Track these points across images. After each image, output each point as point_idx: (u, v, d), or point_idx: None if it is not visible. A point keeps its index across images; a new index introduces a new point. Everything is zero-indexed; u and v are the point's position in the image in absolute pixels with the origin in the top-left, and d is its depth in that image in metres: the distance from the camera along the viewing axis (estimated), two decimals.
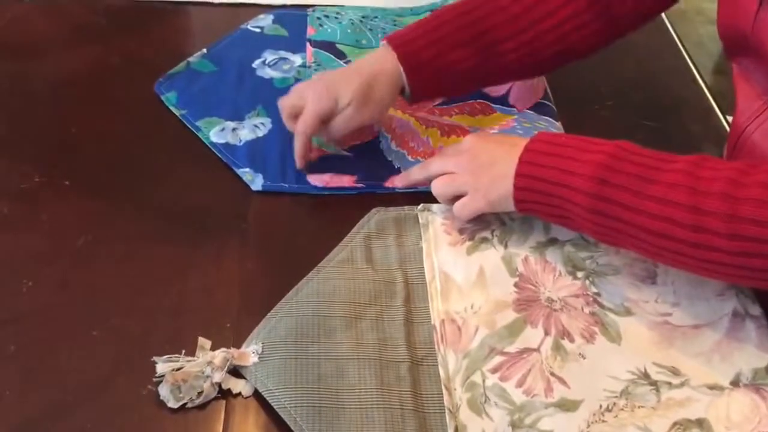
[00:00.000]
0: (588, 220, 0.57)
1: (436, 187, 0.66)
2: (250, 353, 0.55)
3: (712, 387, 0.55)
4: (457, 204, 0.64)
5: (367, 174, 0.72)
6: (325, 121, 0.69)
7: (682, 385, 0.55)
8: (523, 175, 0.60)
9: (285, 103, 0.72)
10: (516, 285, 0.61)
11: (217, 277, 0.62)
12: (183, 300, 0.60)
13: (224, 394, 0.54)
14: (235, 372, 0.55)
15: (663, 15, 0.98)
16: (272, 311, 0.58)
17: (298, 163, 0.71)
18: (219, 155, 0.73)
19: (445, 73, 0.71)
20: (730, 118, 0.85)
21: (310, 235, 0.66)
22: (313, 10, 0.92)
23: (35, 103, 0.79)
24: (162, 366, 0.54)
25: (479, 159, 0.63)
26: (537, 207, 0.61)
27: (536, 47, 0.70)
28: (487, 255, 0.63)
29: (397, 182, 0.71)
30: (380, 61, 0.70)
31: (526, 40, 0.70)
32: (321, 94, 0.68)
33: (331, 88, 0.69)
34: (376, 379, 0.54)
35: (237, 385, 0.54)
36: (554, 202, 0.59)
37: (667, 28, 0.96)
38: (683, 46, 0.94)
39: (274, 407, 0.52)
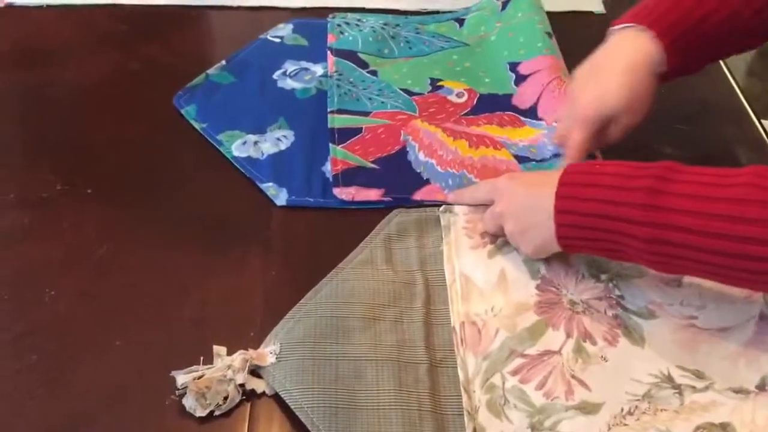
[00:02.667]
0: (645, 251, 0.57)
1: (485, 227, 0.68)
2: (268, 353, 0.58)
3: (738, 391, 0.57)
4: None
5: (395, 187, 0.74)
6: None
7: (706, 388, 0.58)
8: (564, 212, 0.59)
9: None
10: (538, 287, 0.64)
11: (240, 286, 0.65)
12: (205, 309, 0.63)
13: (248, 396, 0.57)
14: (257, 374, 0.58)
15: None
16: (291, 312, 0.62)
17: None
18: (241, 170, 0.76)
19: (705, 39, 0.67)
20: (765, 122, 0.88)
21: (333, 244, 0.68)
22: (333, 17, 0.96)
23: (57, 111, 0.83)
24: (182, 377, 0.56)
25: (512, 208, 0.64)
26: (584, 243, 0.60)
27: None
28: (508, 258, 0.66)
29: (450, 197, 0.73)
30: (634, 48, 0.67)
31: None
32: (595, 105, 0.67)
33: (598, 108, 0.68)
34: (394, 380, 0.57)
35: (260, 385, 0.57)
36: (603, 237, 0.58)
37: None
38: None
39: (292, 407, 0.56)
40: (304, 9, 0.99)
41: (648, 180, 0.56)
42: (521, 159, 0.78)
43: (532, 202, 0.62)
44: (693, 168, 0.56)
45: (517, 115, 0.84)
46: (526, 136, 0.81)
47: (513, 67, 0.88)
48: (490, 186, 0.70)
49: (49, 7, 0.98)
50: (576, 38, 0.94)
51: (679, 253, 0.55)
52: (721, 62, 0.94)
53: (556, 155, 0.77)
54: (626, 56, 0.67)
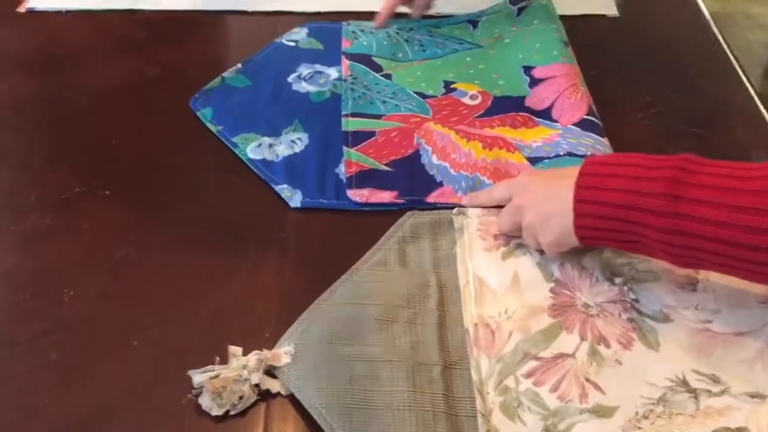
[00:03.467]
0: (663, 242, 0.56)
1: (500, 227, 0.69)
2: (282, 354, 0.59)
3: (754, 395, 0.57)
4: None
5: (408, 189, 0.75)
6: None
7: (722, 393, 0.57)
8: (584, 201, 0.60)
9: None
10: (552, 290, 0.64)
11: (256, 288, 0.66)
12: (221, 310, 0.64)
13: (263, 396, 0.58)
14: (272, 374, 0.59)
15: (709, 19, 1.01)
16: (305, 313, 0.62)
17: (378, 19, 0.83)
18: (257, 172, 0.77)
19: None
20: None
21: (348, 246, 0.69)
22: (348, 24, 0.97)
23: (75, 115, 0.84)
24: (198, 377, 0.57)
25: (532, 199, 0.65)
26: (602, 234, 0.60)
27: None
28: (522, 261, 0.67)
29: (464, 201, 0.73)
30: None
31: None
32: None
33: None
34: (408, 381, 0.57)
35: (275, 385, 0.58)
36: (621, 227, 0.58)
37: (714, 33, 0.98)
38: (731, 51, 0.96)
39: (306, 408, 0.56)
40: (318, 14, 1.00)
41: (669, 171, 0.56)
42: (534, 161, 0.78)
43: (552, 192, 0.63)
44: (714, 161, 0.56)
45: (530, 115, 0.84)
46: (540, 135, 0.81)
47: (527, 70, 0.88)
48: (507, 183, 0.71)
49: (68, 12, 1.00)
50: (589, 41, 0.95)
51: (697, 245, 0.55)
52: (736, 65, 0.94)
53: (571, 154, 0.77)
54: None
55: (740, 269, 0.56)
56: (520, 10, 0.95)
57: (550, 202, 0.63)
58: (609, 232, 0.60)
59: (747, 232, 0.53)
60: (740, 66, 0.94)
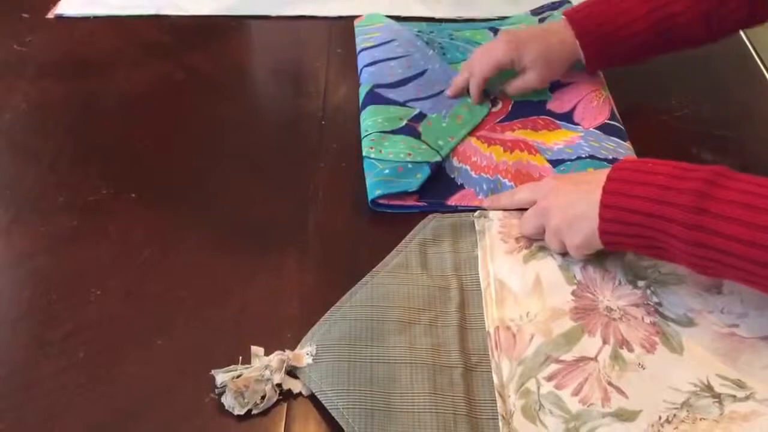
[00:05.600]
0: (687, 252, 0.57)
1: (522, 229, 0.69)
2: (304, 354, 0.59)
3: None
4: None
5: (429, 192, 0.75)
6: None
7: (747, 398, 0.57)
8: (610, 207, 0.60)
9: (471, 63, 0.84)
10: (573, 293, 0.64)
11: (278, 289, 0.66)
12: (244, 310, 0.65)
13: (285, 396, 0.58)
14: (294, 374, 0.59)
15: None
16: (327, 314, 0.62)
17: (474, 101, 0.84)
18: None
19: (620, 46, 0.80)
20: None
21: (370, 247, 0.69)
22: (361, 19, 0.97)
23: (103, 118, 0.86)
24: (221, 376, 0.58)
25: (558, 201, 0.65)
26: (626, 240, 0.61)
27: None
28: (544, 263, 0.66)
29: (486, 203, 0.73)
30: (560, 32, 0.81)
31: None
32: (509, 46, 0.81)
33: (519, 45, 0.81)
34: (429, 383, 0.57)
35: (297, 386, 0.58)
36: (646, 233, 0.59)
37: (740, 35, 0.97)
38: (757, 53, 0.95)
39: (327, 408, 0.56)
40: (341, 18, 1.01)
41: (697, 183, 0.56)
42: (555, 163, 0.77)
43: (579, 195, 0.63)
44: (744, 175, 0.56)
45: (552, 118, 0.83)
46: (561, 138, 0.81)
47: None
48: (530, 186, 0.71)
49: (95, 18, 1.01)
50: None
51: (721, 259, 0.55)
52: (762, 67, 0.93)
53: (593, 157, 0.77)
54: (553, 34, 0.82)
55: (763, 285, 0.56)
56: (542, 20, 0.95)
57: (578, 204, 0.63)
58: (634, 238, 0.60)
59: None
60: (766, 68, 0.93)
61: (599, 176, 0.61)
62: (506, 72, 0.84)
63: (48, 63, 0.94)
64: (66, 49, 0.97)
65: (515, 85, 0.84)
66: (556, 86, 0.86)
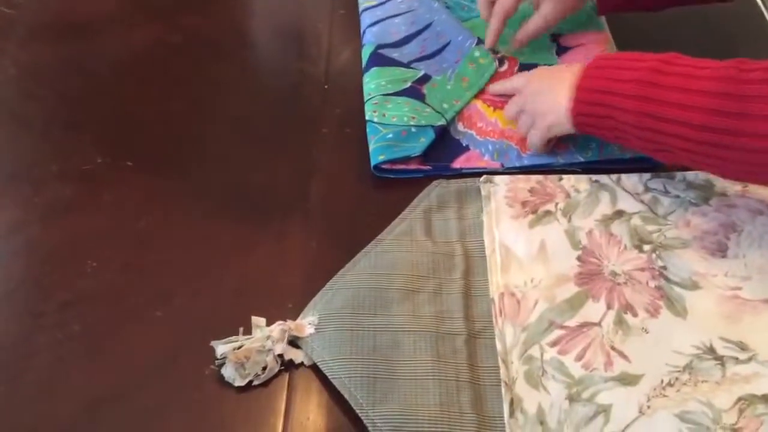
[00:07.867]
0: (634, 125, 0.61)
1: (506, 112, 0.76)
2: (306, 324, 0.59)
3: None
4: (529, 135, 0.72)
5: (434, 155, 0.74)
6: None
7: (749, 360, 0.57)
8: (584, 89, 0.65)
9: None
10: (579, 258, 0.64)
11: (280, 257, 0.66)
12: (245, 280, 0.64)
13: (287, 366, 0.58)
14: (295, 344, 0.59)
15: None
16: (329, 283, 0.63)
17: (489, 41, 0.82)
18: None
19: None
20: None
21: (373, 215, 0.69)
22: None
23: (97, 84, 0.84)
24: (222, 348, 0.58)
25: (534, 87, 0.71)
26: (595, 122, 0.65)
27: None
28: (549, 228, 0.66)
29: (489, 89, 0.79)
30: None
31: None
32: None
33: None
34: (432, 350, 0.58)
35: (298, 356, 0.59)
36: (601, 112, 0.64)
37: (758, 6, 0.95)
38: None
39: (329, 378, 0.57)
40: None
41: (653, 62, 0.61)
42: None
43: (558, 79, 0.69)
44: (697, 58, 0.61)
45: None
46: None
47: (555, 37, 0.86)
48: (525, 73, 0.76)
49: None
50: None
51: (662, 128, 0.60)
52: None
53: None
54: None
55: (698, 153, 0.59)
56: None
57: (556, 86, 0.68)
58: (602, 119, 0.65)
59: (697, 112, 0.57)
60: None
61: (579, 66, 0.67)
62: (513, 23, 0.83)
63: (38, 25, 0.93)
64: (57, 10, 0.95)
65: (529, 25, 0.82)
66: (562, 50, 0.85)
